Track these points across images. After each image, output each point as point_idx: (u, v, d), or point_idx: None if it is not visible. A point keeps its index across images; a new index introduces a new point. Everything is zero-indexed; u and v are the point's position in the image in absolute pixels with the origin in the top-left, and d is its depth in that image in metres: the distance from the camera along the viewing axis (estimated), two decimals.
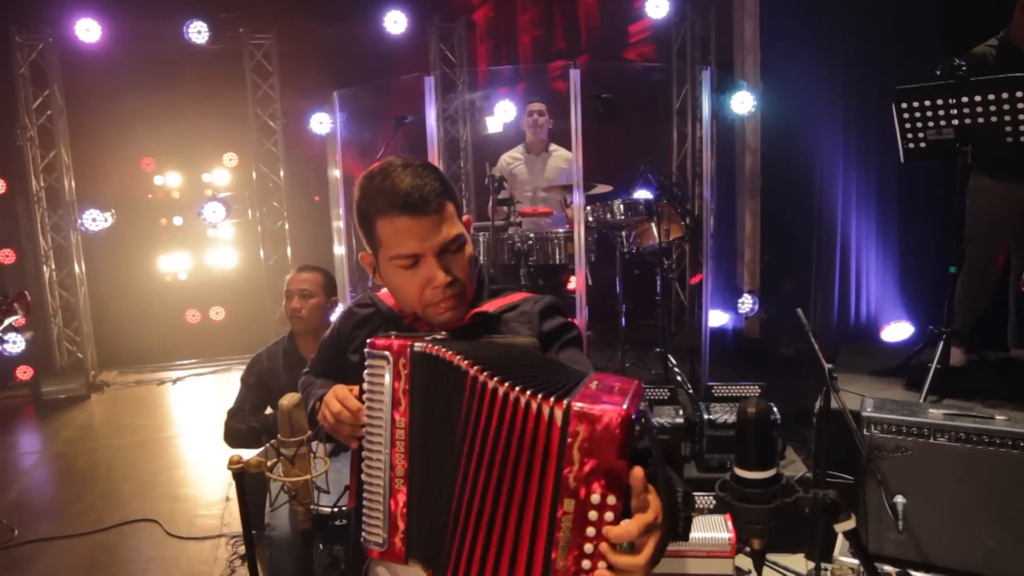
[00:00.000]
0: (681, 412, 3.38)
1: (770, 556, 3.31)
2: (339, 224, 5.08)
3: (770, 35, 5.65)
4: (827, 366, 2.74)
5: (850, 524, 1.10)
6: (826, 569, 2.94)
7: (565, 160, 5.22)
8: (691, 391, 4.28)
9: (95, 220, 6.46)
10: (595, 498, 0.96)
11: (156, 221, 7.48)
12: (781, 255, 5.94)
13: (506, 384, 1.05)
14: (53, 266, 6.60)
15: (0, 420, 6.01)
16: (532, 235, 4.37)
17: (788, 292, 5.90)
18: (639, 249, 4.55)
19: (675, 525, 1.01)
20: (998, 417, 2.58)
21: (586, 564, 0.97)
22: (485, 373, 1.08)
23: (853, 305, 5.30)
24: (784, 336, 5.62)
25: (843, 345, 4.77)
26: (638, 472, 0.96)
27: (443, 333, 1.30)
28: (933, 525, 2.61)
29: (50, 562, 3.61)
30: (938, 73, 3.22)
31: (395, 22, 6.24)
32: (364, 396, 1.22)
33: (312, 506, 2.51)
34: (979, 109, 3.00)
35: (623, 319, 4.75)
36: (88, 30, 6.08)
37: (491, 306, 1.41)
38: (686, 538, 1.07)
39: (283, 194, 7.07)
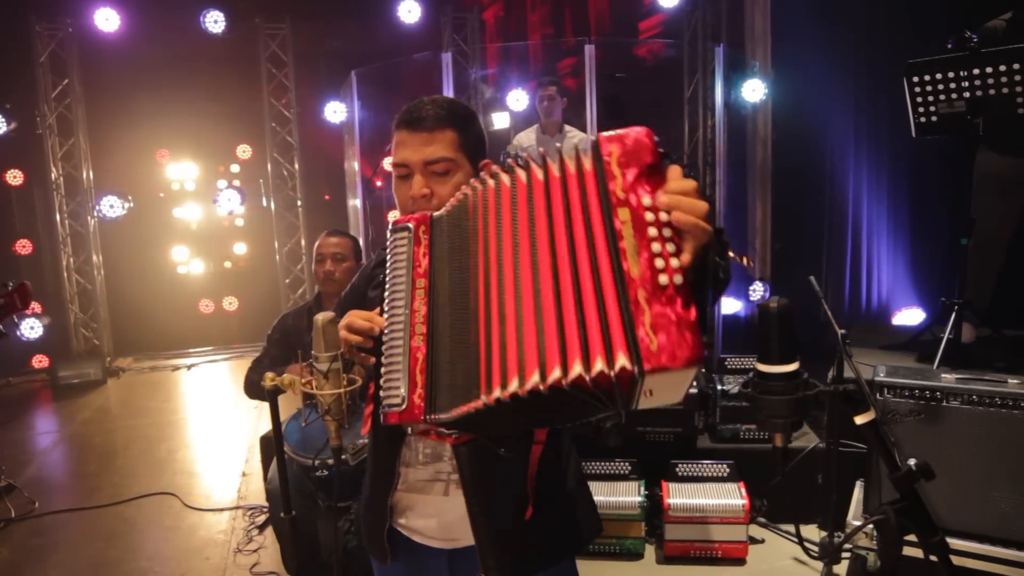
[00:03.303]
0: (694, 383, 3.40)
1: (784, 526, 3.34)
2: (356, 203, 5.12)
3: (781, 24, 5.69)
4: (840, 331, 2.77)
5: (869, 416, 1.14)
6: (839, 536, 2.97)
7: (580, 142, 5.24)
8: (703, 369, 4.31)
9: (112, 207, 6.54)
10: (646, 200, 0.99)
11: (171, 211, 7.55)
12: (792, 243, 5.95)
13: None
14: (70, 252, 6.68)
15: (18, 403, 6.09)
16: None
17: (799, 279, 5.91)
18: None
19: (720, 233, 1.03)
20: (1011, 381, 2.58)
21: (659, 263, 0.96)
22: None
23: (864, 292, 5.31)
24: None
25: (855, 325, 4.79)
26: (675, 168, 1.02)
27: None
28: (946, 489, 2.59)
29: (71, 532, 3.67)
30: (949, 47, 3.25)
31: (409, 11, 6.29)
32: (387, 269, 1.24)
33: (296, 456, 2.55)
34: (990, 80, 3.03)
35: None
36: (107, 19, 6.17)
37: None
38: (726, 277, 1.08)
39: (298, 182, 7.13)
